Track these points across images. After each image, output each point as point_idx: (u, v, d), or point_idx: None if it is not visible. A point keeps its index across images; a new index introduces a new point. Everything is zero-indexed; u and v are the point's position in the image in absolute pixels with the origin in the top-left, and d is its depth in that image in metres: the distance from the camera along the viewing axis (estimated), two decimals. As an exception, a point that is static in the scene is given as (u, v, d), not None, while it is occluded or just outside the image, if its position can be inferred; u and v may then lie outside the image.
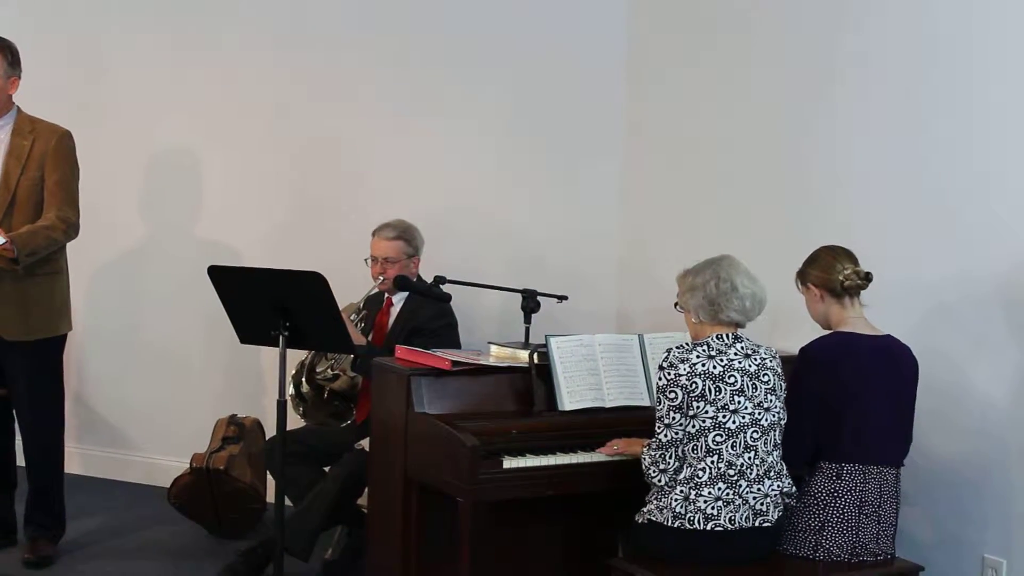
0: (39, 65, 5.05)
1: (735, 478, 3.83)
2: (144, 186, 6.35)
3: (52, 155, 4.95)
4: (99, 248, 6.12)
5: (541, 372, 4.36)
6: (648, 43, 5.69)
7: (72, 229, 4.99)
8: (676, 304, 4.07)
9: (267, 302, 4.31)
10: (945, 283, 4.44)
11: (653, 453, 3.91)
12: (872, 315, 4.08)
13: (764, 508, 3.88)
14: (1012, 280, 4.24)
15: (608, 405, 4.39)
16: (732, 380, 3.84)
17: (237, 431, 5.68)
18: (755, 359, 3.91)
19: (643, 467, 3.95)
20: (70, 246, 5.12)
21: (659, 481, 3.90)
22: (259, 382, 6.16)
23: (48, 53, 6.09)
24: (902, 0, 4.63)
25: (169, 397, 6.36)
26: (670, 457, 3.88)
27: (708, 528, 3.81)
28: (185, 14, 6.22)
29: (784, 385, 3.97)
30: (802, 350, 4.03)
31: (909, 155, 4.58)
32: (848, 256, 4.07)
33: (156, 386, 6.39)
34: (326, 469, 5.13)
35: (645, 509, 3.93)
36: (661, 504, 3.87)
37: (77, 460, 6.33)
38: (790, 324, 4.56)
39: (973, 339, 4.38)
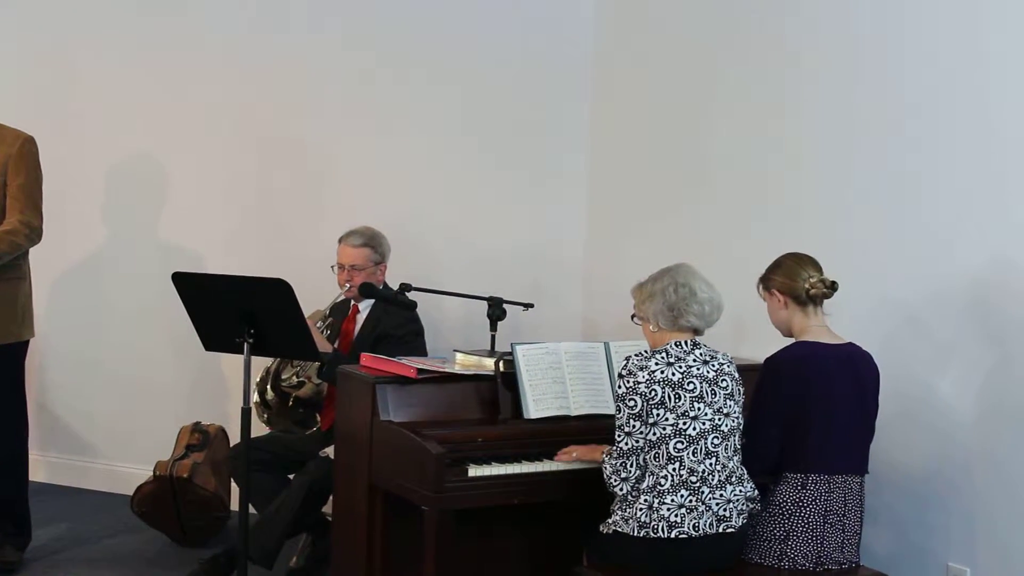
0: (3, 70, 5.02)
1: (697, 484, 3.82)
2: (107, 191, 6.31)
3: (15, 160, 4.92)
4: (62, 254, 6.08)
5: (507, 380, 4.36)
6: (614, 50, 5.71)
7: (35, 234, 4.97)
8: (633, 316, 4.06)
9: (232, 309, 4.29)
10: (909, 291, 4.47)
11: (614, 462, 3.90)
12: (835, 323, 4.09)
13: (727, 514, 3.88)
14: (977, 287, 4.26)
15: (574, 413, 4.39)
16: (692, 387, 3.83)
17: (201, 438, 5.64)
18: (713, 365, 3.91)
19: (604, 476, 3.93)
20: (33, 252, 5.08)
21: (621, 491, 3.89)
22: (222, 389, 6.12)
23: (13, 58, 6.05)
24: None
25: (131, 404, 6.32)
26: (631, 465, 3.87)
27: (672, 536, 3.80)
28: (149, 16, 6.18)
29: (742, 390, 3.97)
30: (767, 361, 4.02)
31: (873, 161, 4.61)
32: (813, 264, 4.07)
33: (118, 393, 6.35)
34: (291, 477, 5.11)
35: (611, 520, 3.91)
36: (626, 515, 3.86)
37: (39, 468, 6.27)
38: (756, 333, 4.57)
39: (937, 347, 4.40)
